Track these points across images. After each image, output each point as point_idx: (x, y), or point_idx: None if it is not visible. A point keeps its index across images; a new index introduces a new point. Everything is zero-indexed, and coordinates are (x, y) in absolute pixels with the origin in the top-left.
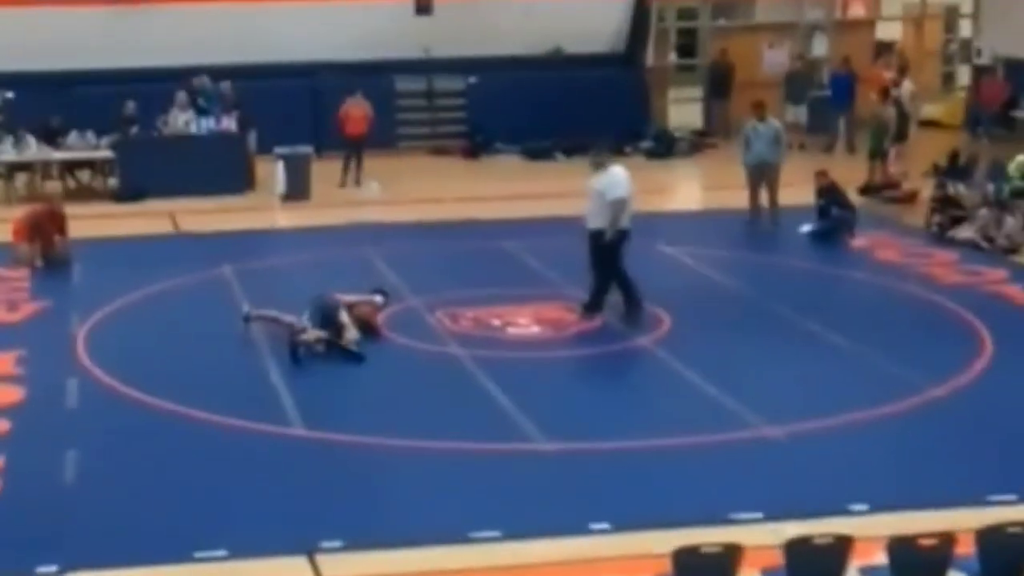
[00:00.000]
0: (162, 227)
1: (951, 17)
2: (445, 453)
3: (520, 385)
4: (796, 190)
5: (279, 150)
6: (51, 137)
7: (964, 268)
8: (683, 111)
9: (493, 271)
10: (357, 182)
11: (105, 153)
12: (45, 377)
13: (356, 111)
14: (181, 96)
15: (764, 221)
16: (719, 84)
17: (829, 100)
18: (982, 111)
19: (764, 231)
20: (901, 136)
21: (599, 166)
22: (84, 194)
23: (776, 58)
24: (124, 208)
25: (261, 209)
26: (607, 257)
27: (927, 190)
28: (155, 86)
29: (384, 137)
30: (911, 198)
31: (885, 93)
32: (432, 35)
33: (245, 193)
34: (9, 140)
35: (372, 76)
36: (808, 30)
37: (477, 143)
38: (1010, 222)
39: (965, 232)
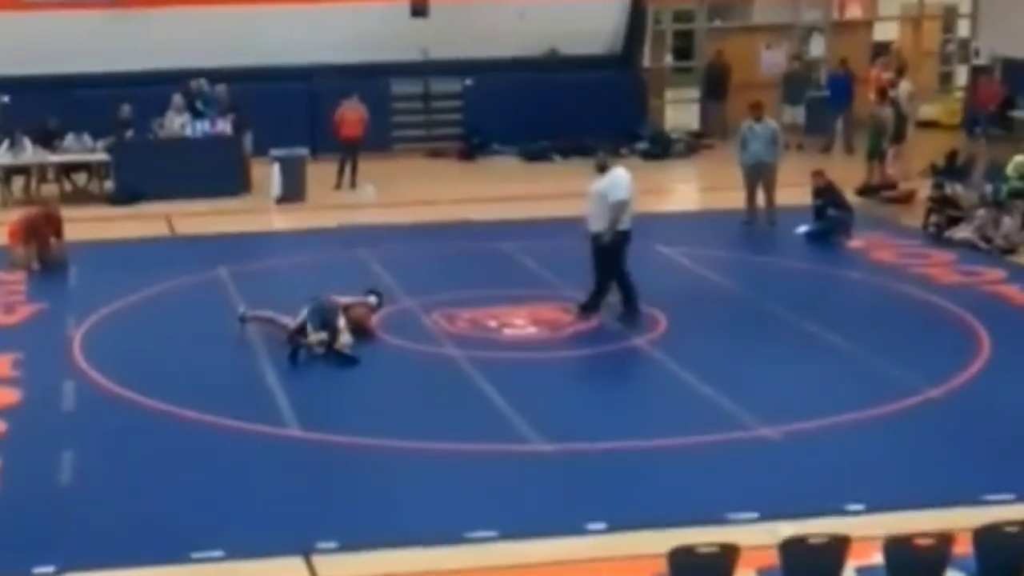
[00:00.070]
0: (158, 230)
1: (949, 17)
2: (441, 454)
3: (516, 386)
4: (793, 191)
5: (275, 152)
6: (47, 140)
7: (961, 268)
8: (680, 112)
9: (489, 272)
10: (353, 185)
11: (101, 156)
12: (42, 379)
13: (352, 114)
14: (177, 99)
15: (761, 222)
16: (716, 85)
17: (827, 101)
18: (980, 111)
19: (761, 232)
20: (899, 137)
21: (602, 168)
22: (80, 197)
23: (773, 59)
24: (120, 211)
25: (257, 211)
26: (608, 259)
27: (924, 190)
28: (151, 89)
29: (380, 139)
30: (908, 198)
31: (883, 94)
32: (428, 37)
33: (241, 195)
34: (5, 143)
35: (368, 78)
36: (805, 31)
37: (473, 145)
38: (1008, 222)
39: (962, 232)
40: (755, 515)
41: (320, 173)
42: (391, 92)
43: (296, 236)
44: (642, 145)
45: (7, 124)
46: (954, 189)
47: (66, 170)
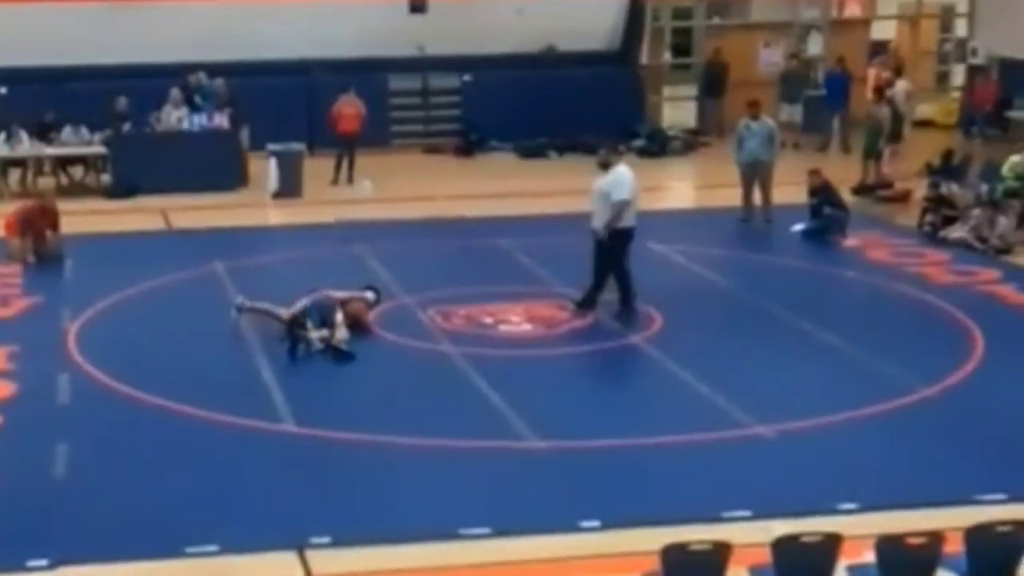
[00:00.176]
0: (154, 223)
1: (947, 17)
2: (435, 450)
3: (511, 383)
4: (789, 189)
5: (272, 147)
6: (44, 133)
7: (956, 268)
8: (677, 110)
9: (485, 269)
10: (350, 180)
11: (98, 149)
12: (36, 373)
13: (349, 109)
14: (175, 93)
15: (757, 220)
16: (713, 83)
17: (824, 99)
18: (976, 111)
19: (757, 230)
20: (896, 136)
21: (605, 165)
22: (77, 190)
23: (771, 57)
24: (116, 204)
25: (253, 206)
26: (607, 256)
27: (920, 190)
28: (148, 82)
29: (377, 135)
30: (904, 198)
31: (880, 93)
32: (426, 33)
33: (237, 190)
34: (2, 136)
35: (366, 74)
36: (803, 29)
37: (471, 141)
38: (1003, 222)
39: (958, 232)
40: (748, 513)
41: (317, 168)
42: (389, 87)
43: (293, 231)
44: (639, 142)
45: (3, 116)
46: (950, 189)
47: (63, 163)
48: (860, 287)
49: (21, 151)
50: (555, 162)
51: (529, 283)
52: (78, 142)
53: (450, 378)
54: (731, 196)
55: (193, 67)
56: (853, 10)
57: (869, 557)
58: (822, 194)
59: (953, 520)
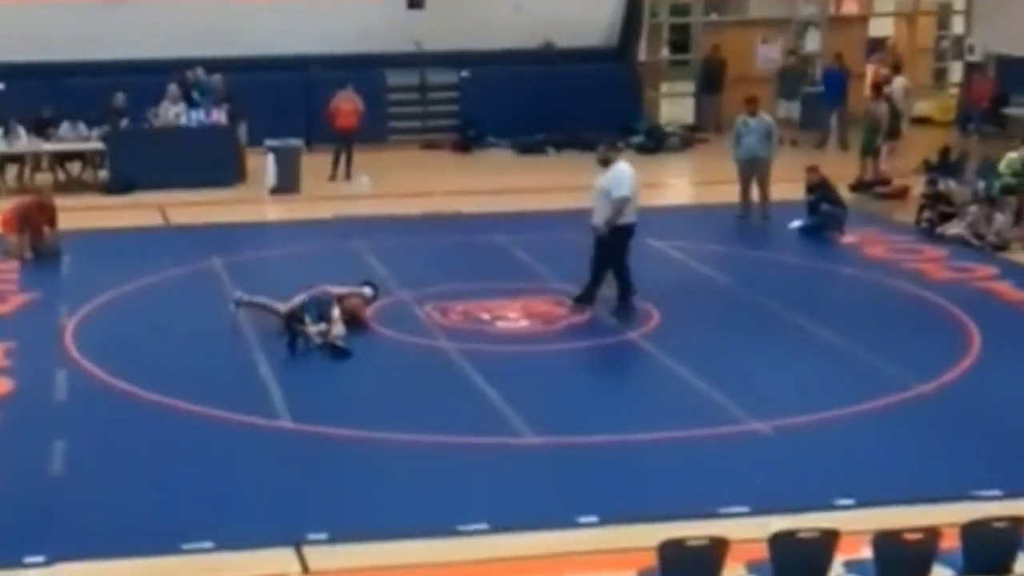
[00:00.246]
0: (152, 219)
1: (944, 14)
2: (433, 446)
3: (509, 379)
4: (787, 186)
5: (269, 143)
6: (42, 128)
7: (953, 264)
8: (675, 106)
9: (483, 265)
10: (347, 176)
11: (96, 145)
12: (34, 369)
13: (347, 105)
14: (172, 88)
15: (754, 216)
16: (711, 79)
17: (822, 96)
18: (973, 108)
19: (754, 226)
20: (894, 133)
21: (605, 162)
22: (74, 186)
23: (769, 54)
24: (114, 200)
25: (251, 202)
26: (607, 252)
27: (918, 186)
28: (146, 78)
29: (375, 131)
30: (902, 194)
31: (878, 90)
32: (424, 29)
33: (235, 186)
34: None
35: (364, 70)
36: (801, 26)
37: (469, 137)
38: (1000, 219)
39: (955, 228)
40: (745, 509)
41: (315, 164)
42: (387, 83)
43: (290, 227)
44: (637, 138)
45: (1, 112)
46: (947, 185)
47: (60, 159)
48: (857, 283)
49: (19, 147)
50: (553, 158)
51: (527, 279)
52: (76, 138)
53: (447, 374)
54: (729, 192)
55: (191, 63)
56: (850, 7)
57: (866, 553)
58: (820, 191)
59: (949, 516)
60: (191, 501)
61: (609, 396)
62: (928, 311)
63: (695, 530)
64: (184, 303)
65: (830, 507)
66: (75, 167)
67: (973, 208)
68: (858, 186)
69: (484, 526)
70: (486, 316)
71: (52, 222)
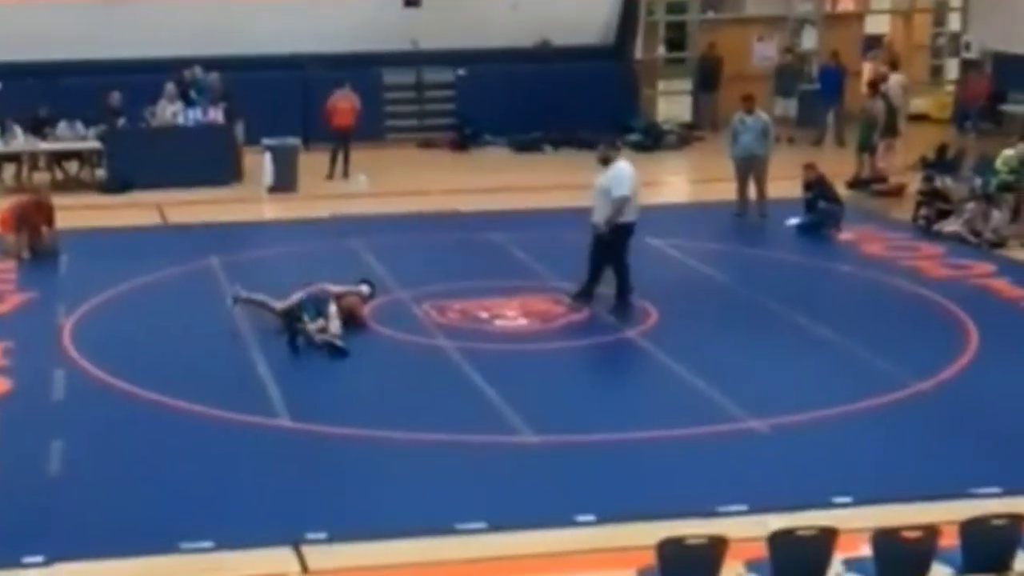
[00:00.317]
0: (149, 218)
1: (940, 11)
2: (431, 445)
3: (507, 377)
4: (784, 183)
5: (267, 142)
6: (39, 128)
7: (950, 262)
8: (672, 104)
9: (480, 263)
10: (345, 174)
11: (93, 144)
12: (32, 368)
13: (344, 103)
14: (169, 87)
15: (752, 214)
16: (708, 77)
17: (818, 94)
18: (970, 105)
19: (751, 224)
20: (892, 131)
21: (605, 161)
22: (72, 185)
23: (765, 51)
24: (112, 199)
25: (248, 201)
26: (606, 250)
27: (915, 184)
28: (143, 77)
29: (372, 129)
30: (899, 192)
31: (874, 87)
32: (420, 27)
33: (232, 185)
34: None
35: (360, 68)
36: (797, 23)
37: (465, 135)
38: (996, 216)
39: (952, 226)
40: (744, 507)
41: (312, 163)
42: (383, 82)
43: (288, 226)
44: (634, 136)
45: None
46: (944, 183)
47: (58, 158)
48: (855, 281)
49: (16, 146)
50: (550, 156)
51: (524, 277)
52: (73, 137)
53: (445, 373)
54: (726, 190)
55: (188, 62)
56: (846, 4)
57: (865, 551)
58: (817, 188)
59: (948, 514)
60: (190, 500)
61: (607, 394)
62: (925, 308)
63: (694, 528)
64: (182, 302)
65: (829, 505)
66: (72, 166)
67: (970, 205)
68: (855, 183)
69: (482, 525)
70: (484, 315)
71: (50, 221)
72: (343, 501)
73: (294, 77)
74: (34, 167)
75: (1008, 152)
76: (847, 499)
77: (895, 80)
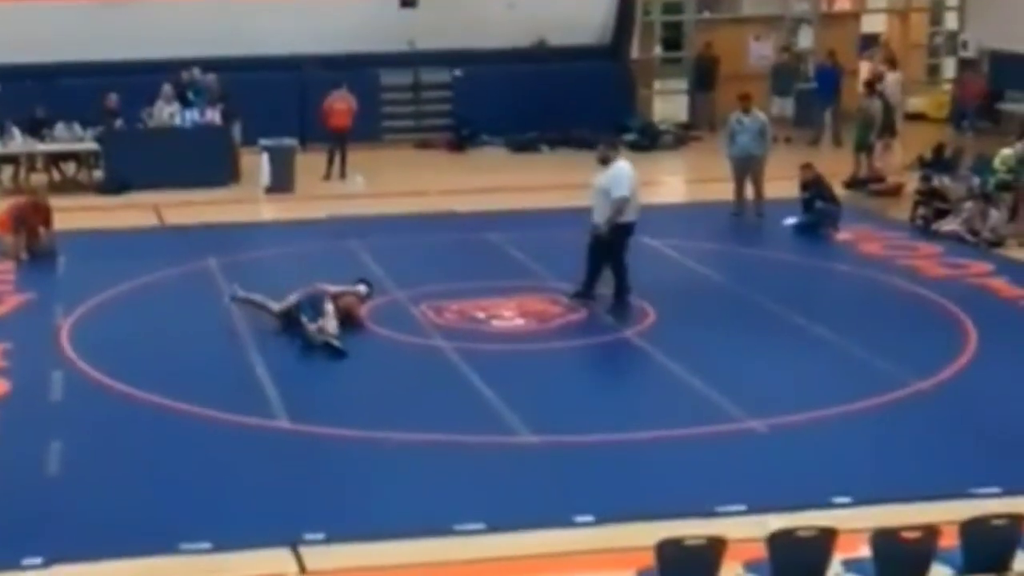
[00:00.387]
0: (147, 219)
1: (937, 10)
2: (429, 446)
3: (504, 378)
4: (781, 183)
5: (264, 143)
6: (36, 129)
7: (949, 261)
8: (668, 104)
9: (478, 264)
10: (342, 175)
11: (90, 145)
12: (29, 369)
13: (341, 104)
14: (166, 88)
15: (749, 214)
16: (704, 77)
17: (815, 93)
18: (967, 104)
19: (749, 224)
20: (890, 130)
21: (605, 161)
22: (69, 186)
23: (761, 51)
24: (109, 200)
25: (246, 202)
26: (605, 250)
27: (912, 183)
28: (140, 78)
29: (369, 130)
30: (896, 191)
31: (871, 86)
32: (417, 28)
33: (230, 186)
34: None
35: (357, 69)
36: (794, 23)
37: (462, 136)
38: (994, 215)
39: (950, 225)
40: (743, 508)
41: (309, 163)
42: (380, 83)
43: (285, 226)
44: (630, 136)
45: None
46: (941, 182)
47: (55, 159)
48: (852, 281)
49: (13, 148)
50: (547, 156)
51: (521, 278)
52: (70, 138)
53: (443, 373)
54: (723, 190)
55: (185, 63)
56: (843, 4)
57: (864, 551)
58: (814, 188)
59: (948, 514)
60: (188, 501)
61: (605, 395)
62: (924, 308)
63: (692, 529)
64: (179, 303)
65: (828, 505)
66: (70, 167)
67: (968, 204)
68: (852, 183)
69: (481, 525)
70: (481, 315)
71: (47, 223)
72: (341, 502)
73: (291, 78)
74: (32, 168)
75: (1006, 151)
76: (846, 499)
77: (892, 78)
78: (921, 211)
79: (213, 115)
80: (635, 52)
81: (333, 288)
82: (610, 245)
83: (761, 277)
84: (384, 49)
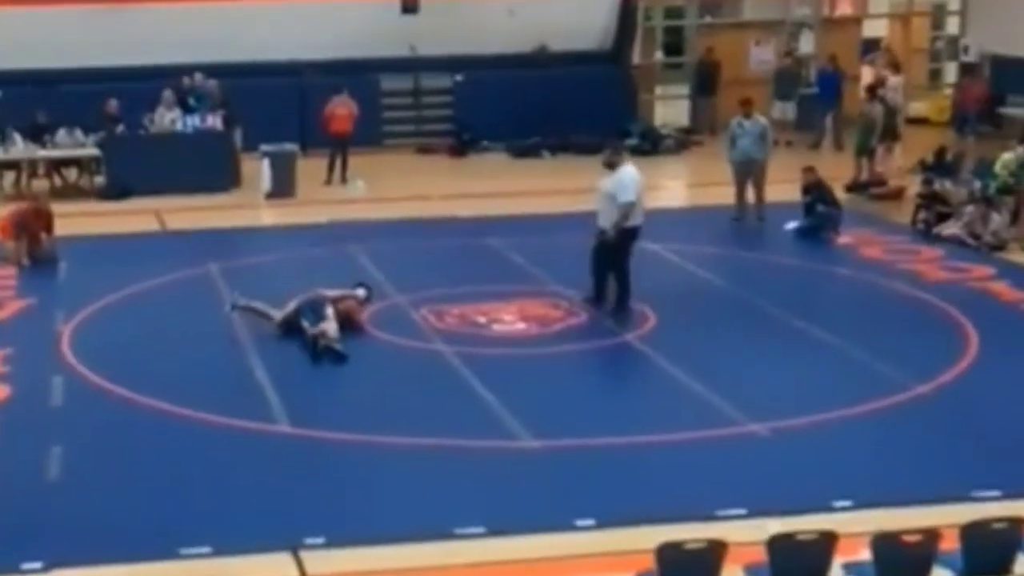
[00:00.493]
0: (148, 225)
1: (938, 14)
2: (430, 450)
3: (505, 382)
4: (782, 187)
5: (265, 148)
6: (37, 135)
7: (950, 265)
8: (670, 109)
9: (479, 268)
10: (343, 180)
11: (91, 151)
12: (30, 375)
13: (341, 109)
14: (167, 94)
15: (750, 218)
16: (706, 81)
17: (816, 97)
18: (969, 108)
19: (750, 228)
20: (893, 134)
21: (610, 165)
22: (70, 192)
23: (762, 55)
24: (110, 206)
25: (247, 207)
26: (609, 255)
27: (914, 187)
28: (142, 84)
29: (370, 135)
30: (897, 195)
31: (872, 91)
32: (418, 33)
33: (231, 191)
34: None
35: (358, 74)
36: (795, 28)
37: (463, 141)
38: (996, 219)
39: (951, 229)
40: (743, 511)
41: (310, 168)
42: (381, 88)
43: (286, 232)
44: (632, 141)
45: None
46: (943, 185)
47: (56, 165)
48: (854, 285)
49: (15, 153)
50: (548, 161)
51: (522, 282)
52: (72, 144)
53: (444, 378)
54: (724, 194)
55: (186, 69)
56: (844, 8)
57: (865, 555)
58: (815, 192)
59: (949, 517)
60: (189, 506)
61: (606, 399)
62: (925, 312)
63: (693, 533)
64: (180, 308)
65: (828, 509)
66: (71, 173)
67: (969, 208)
68: (854, 187)
69: (481, 529)
70: (482, 319)
71: (49, 228)
72: (342, 506)
73: (292, 83)
74: (33, 174)
75: (1007, 155)
76: (847, 503)
77: (893, 82)
78: (922, 215)
79: (214, 121)
80: (636, 57)
81: (332, 292)
82: (615, 249)
83: (762, 281)
84: (385, 54)
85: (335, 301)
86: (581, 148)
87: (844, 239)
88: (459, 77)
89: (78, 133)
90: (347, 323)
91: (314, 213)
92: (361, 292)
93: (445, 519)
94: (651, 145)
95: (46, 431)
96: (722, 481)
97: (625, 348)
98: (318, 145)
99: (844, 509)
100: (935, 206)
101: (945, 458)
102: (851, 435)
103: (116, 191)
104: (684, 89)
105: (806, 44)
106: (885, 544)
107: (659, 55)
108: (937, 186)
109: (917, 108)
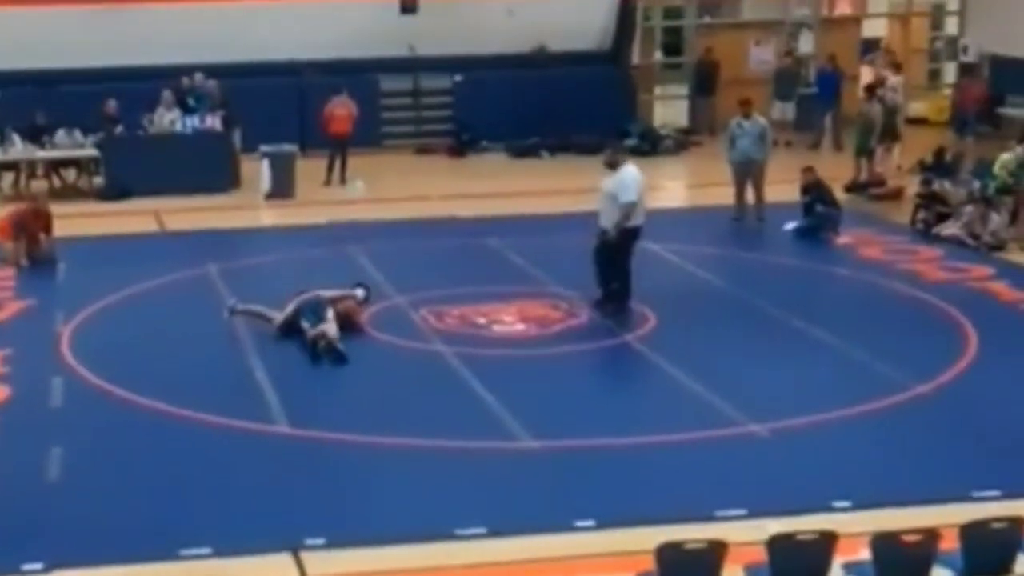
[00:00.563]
0: (147, 226)
1: (937, 14)
2: (430, 451)
3: (505, 383)
4: (782, 187)
5: (264, 148)
6: (36, 136)
7: (949, 265)
8: (669, 109)
9: (478, 269)
10: (342, 181)
11: (90, 152)
12: (30, 376)
13: (341, 110)
14: (167, 95)
15: (749, 218)
16: (705, 82)
17: (815, 97)
18: (968, 109)
19: (749, 228)
20: (893, 135)
21: (612, 166)
22: (69, 193)
23: (762, 55)
24: (109, 207)
25: (246, 208)
26: (610, 254)
27: (913, 187)
28: (141, 85)
29: (369, 136)
30: (897, 195)
31: (871, 91)
32: (417, 34)
33: (230, 192)
34: None
35: (357, 75)
36: (794, 28)
37: (463, 141)
38: (995, 219)
39: (950, 229)
40: (743, 512)
41: (309, 169)
42: (380, 88)
43: (285, 232)
44: (631, 141)
45: None
46: (942, 186)
47: (55, 166)
48: (853, 285)
49: (14, 154)
50: (547, 162)
51: (522, 283)
52: (71, 145)
53: (443, 378)
54: (724, 195)
55: (185, 69)
56: (844, 8)
57: (864, 555)
58: (814, 192)
59: (948, 517)
60: (189, 507)
61: (606, 399)
62: (924, 312)
63: (693, 533)
64: (180, 309)
65: (828, 509)
66: (70, 174)
67: (968, 208)
68: (853, 187)
69: (482, 530)
70: (482, 320)
71: (48, 229)
72: (342, 507)
73: (291, 84)
74: (32, 175)
75: (1006, 155)
76: (847, 503)
77: (893, 82)
78: (922, 215)
79: (213, 121)
80: (635, 57)
81: (329, 293)
82: (616, 249)
83: (762, 281)
84: (384, 55)
85: (334, 302)
86: (580, 148)
87: (843, 239)
88: (458, 77)
89: (77, 134)
90: (347, 324)
91: (313, 214)
92: (360, 292)
93: (445, 520)
94: (650, 145)
95: (46, 432)
96: (722, 481)
97: (625, 349)
98: (317, 146)
99: (844, 509)
100: (934, 206)
101: (945, 458)
102: (851, 435)
103: (115, 192)
104: (683, 89)
105: (805, 44)
106: (885, 544)
107: (658, 55)
108: (936, 186)
109: (916, 108)
